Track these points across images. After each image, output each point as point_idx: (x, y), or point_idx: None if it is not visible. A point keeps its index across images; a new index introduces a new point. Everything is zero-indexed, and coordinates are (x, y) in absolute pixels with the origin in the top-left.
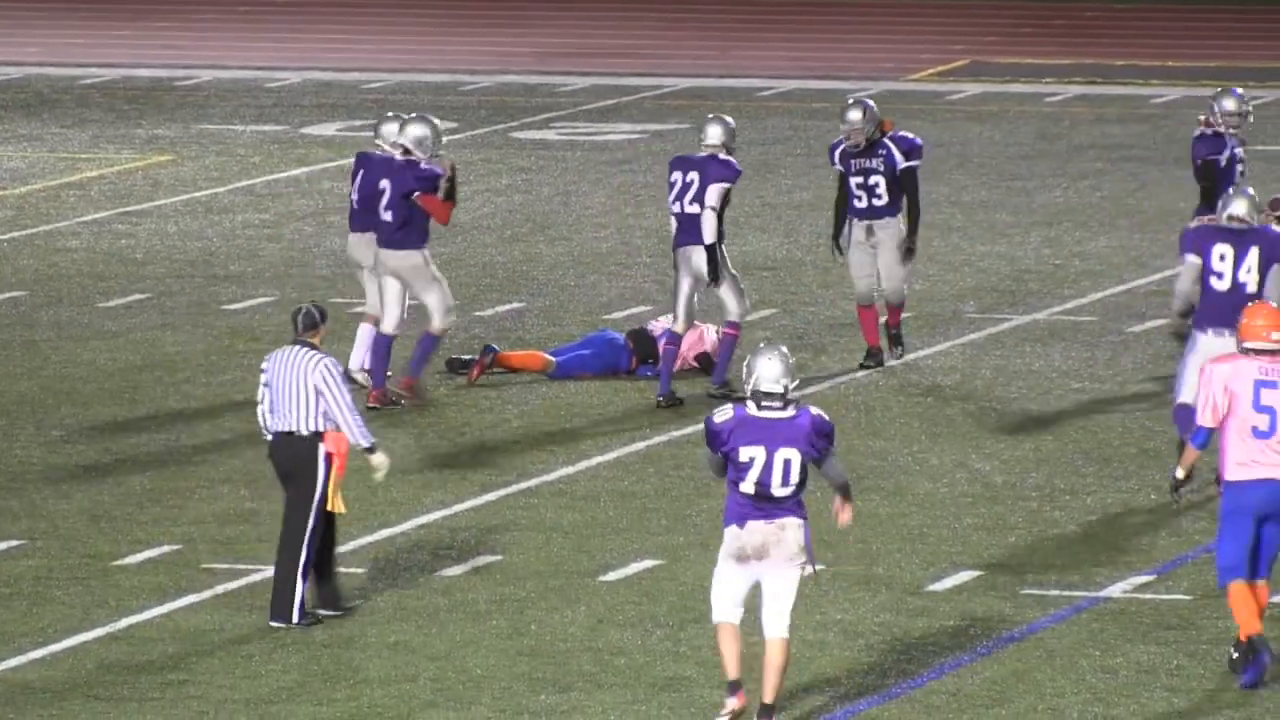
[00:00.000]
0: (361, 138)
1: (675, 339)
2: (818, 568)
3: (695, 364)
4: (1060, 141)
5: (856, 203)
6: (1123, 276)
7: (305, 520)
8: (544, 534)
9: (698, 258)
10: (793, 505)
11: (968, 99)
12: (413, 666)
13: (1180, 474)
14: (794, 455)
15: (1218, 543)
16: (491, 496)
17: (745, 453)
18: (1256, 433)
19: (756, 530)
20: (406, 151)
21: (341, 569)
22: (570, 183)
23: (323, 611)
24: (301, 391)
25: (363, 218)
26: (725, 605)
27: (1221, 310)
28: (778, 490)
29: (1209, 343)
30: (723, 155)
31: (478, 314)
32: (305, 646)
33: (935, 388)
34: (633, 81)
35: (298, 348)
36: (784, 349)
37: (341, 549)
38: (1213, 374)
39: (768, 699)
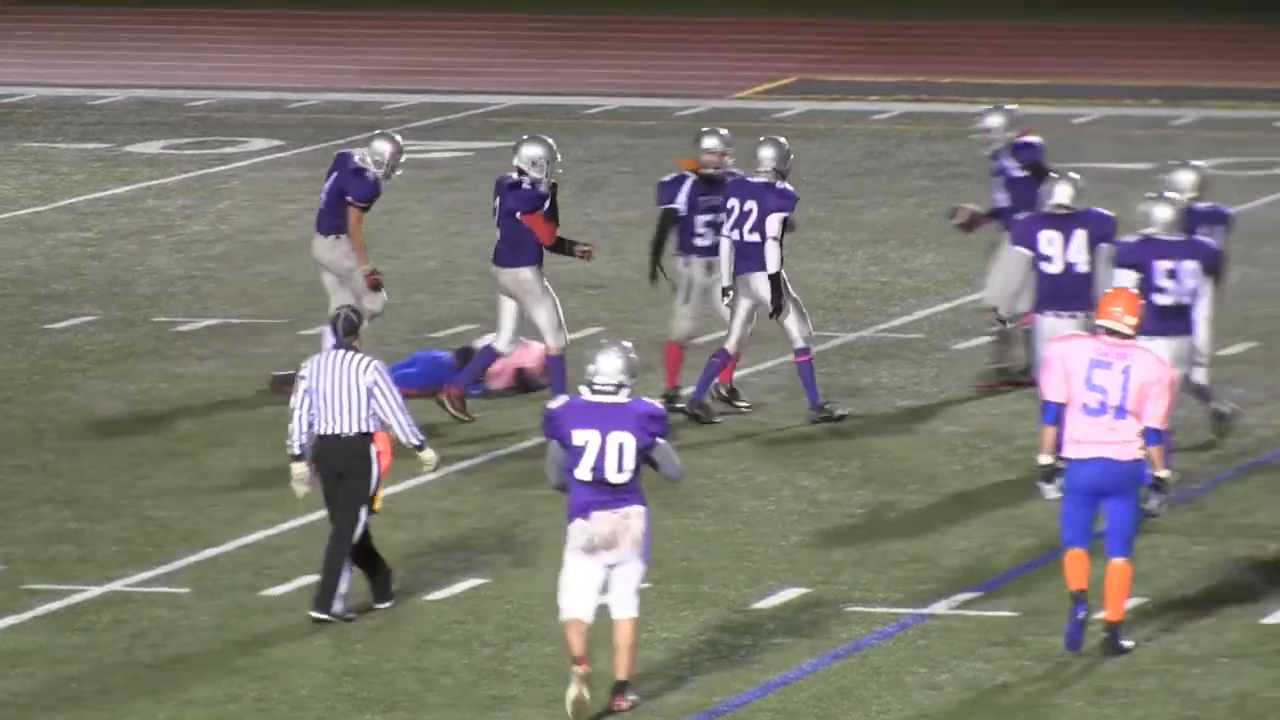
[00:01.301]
0: (185, 155)
1: (726, 356)
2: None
3: (513, 383)
4: (887, 159)
5: (699, 240)
6: (949, 294)
7: (357, 517)
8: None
9: (756, 283)
10: (634, 494)
11: (795, 116)
12: (237, 687)
13: (1045, 459)
14: (628, 439)
15: (1060, 518)
16: (316, 516)
17: (579, 436)
18: (1087, 410)
19: (604, 520)
20: (521, 171)
21: (165, 589)
22: (396, 201)
23: (378, 605)
24: (352, 394)
25: (328, 219)
26: (574, 600)
27: (1058, 293)
28: (613, 476)
29: (1051, 325)
30: (779, 184)
31: (303, 332)
32: (127, 668)
33: (762, 405)
34: (459, 99)
35: (341, 352)
36: (628, 345)
37: (165, 569)
38: (1053, 354)
39: (621, 676)
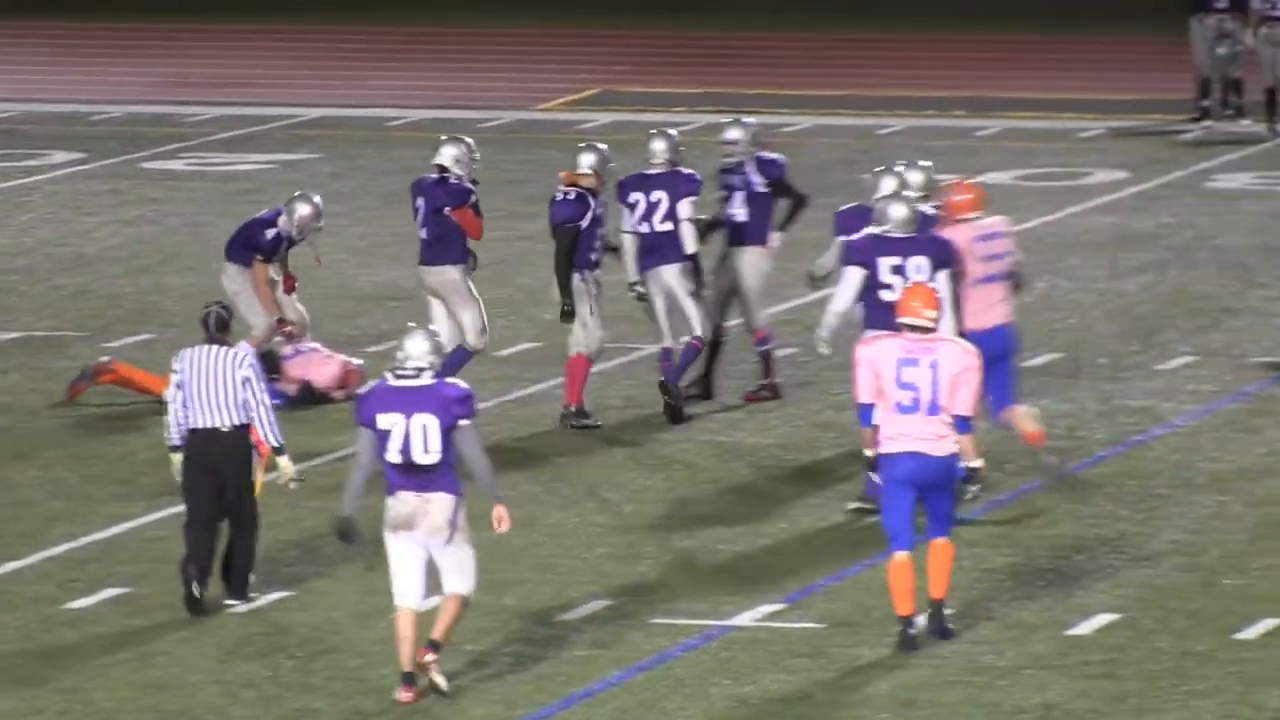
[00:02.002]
0: None
1: (669, 354)
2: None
3: (298, 395)
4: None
5: (594, 255)
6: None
7: (253, 507)
8: (173, 565)
9: (665, 276)
10: (443, 480)
11: (600, 128)
12: (39, 700)
13: (870, 453)
14: (431, 421)
15: (881, 512)
16: (120, 528)
17: (384, 420)
18: (900, 408)
19: (406, 501)
20: (443, 170)
21: None
22: (199, 213)
23: (229, 601)
24: (227, 386)
25: (234, 246)
26: (400, 587)
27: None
28: (420, 457)
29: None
30: (683, 169)
31: (106, 345)
32: None
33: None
34: (262, 111)
35: (214, 346)
36: (434, 329)
37: None
38: (860, 356)
39: (436, 636)
